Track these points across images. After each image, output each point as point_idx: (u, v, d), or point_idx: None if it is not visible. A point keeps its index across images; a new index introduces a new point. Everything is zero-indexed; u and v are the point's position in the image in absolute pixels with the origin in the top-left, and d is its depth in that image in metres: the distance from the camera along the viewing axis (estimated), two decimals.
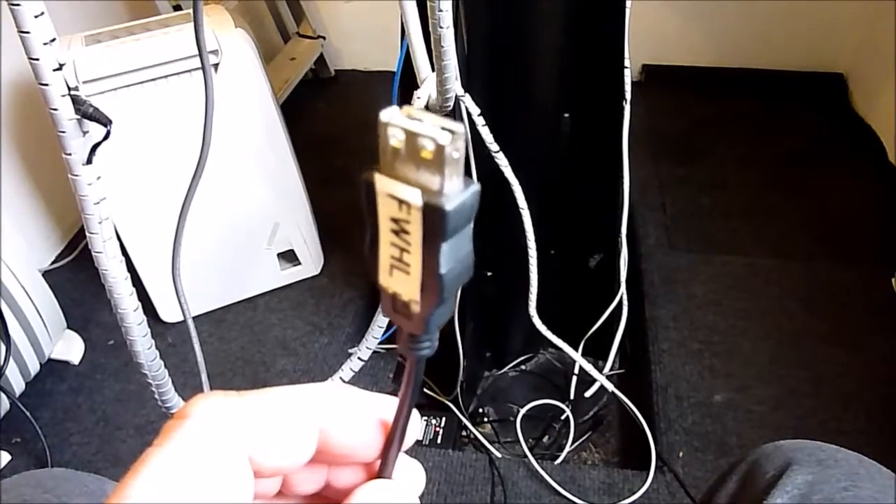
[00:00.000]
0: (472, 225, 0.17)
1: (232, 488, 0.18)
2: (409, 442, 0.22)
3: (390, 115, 0.16)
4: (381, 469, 0.21)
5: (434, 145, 0.16)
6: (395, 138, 0.16)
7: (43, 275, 1.12)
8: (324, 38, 1.95)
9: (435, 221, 0.16)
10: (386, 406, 0.22)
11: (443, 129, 0.16)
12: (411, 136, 0.16)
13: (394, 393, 0.22)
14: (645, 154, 1.56)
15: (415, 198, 0.16)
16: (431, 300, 0.17)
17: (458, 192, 0.16)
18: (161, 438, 0.18)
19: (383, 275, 0.18)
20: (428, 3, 0.58)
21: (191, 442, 0.18)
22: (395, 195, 0.16)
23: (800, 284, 1.24)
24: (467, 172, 0.60)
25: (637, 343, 1.17)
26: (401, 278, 0.17)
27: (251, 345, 1.22)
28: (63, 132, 0.48)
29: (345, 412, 0.21)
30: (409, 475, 0.22)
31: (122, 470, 0.18)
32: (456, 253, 0.17)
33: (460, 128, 0.16)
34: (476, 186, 0.16)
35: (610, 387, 1.08)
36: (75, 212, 0.57)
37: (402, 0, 0.63)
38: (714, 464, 0.97)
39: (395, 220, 0.16)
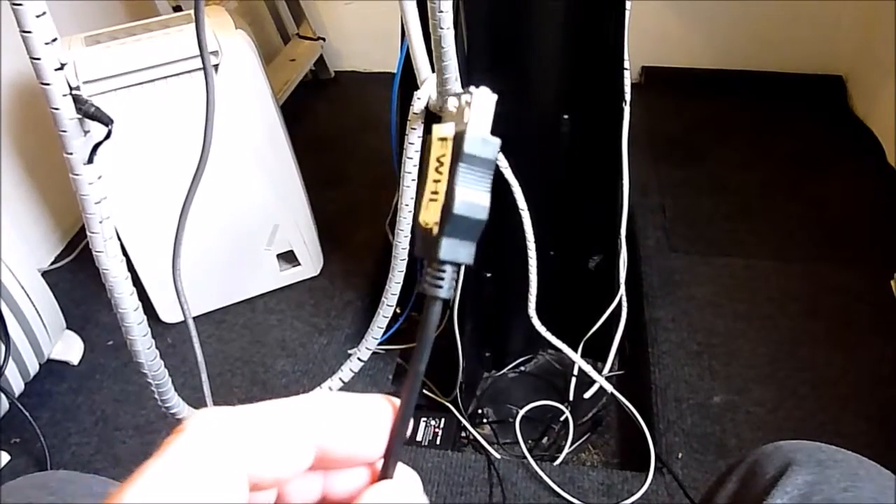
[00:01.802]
0: (490, 176, 0.22)
1: (225, 496, 0.19)
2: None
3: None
4: (384, 469, 0.22)
5: (458, 101, 0.22)
6: (452, 104, 0.23)
7: (43, 275, 1.12)
8: (324, 39, 1.95)
9: (459, 145, 0.21)
10: (383, 405, 0.22)
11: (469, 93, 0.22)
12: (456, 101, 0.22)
13: (394, 394, 0.22)
14: (644, 156, 1.56)
15: (450, 130, 0.22)
16: (446, 219, 0.21)
17: (479, 130, 0.21)
18: (159, 451, 0.19)
19: (423, 212, 0.22)
20: (428, 4, 0.58)
21: (186, 452, 0.19)
22: (440, 135, 0.22)
23: (799, 286, 1.24)
24: None
25: (636, 344, 1.17)
26: (433, 209, 0.22)
27: (250, 345, 1.22)
28: (64, 132, 0.48)
29: (343, 420, 0.22)
30: (408, 478, 0.23)
31: (121, 470, 0.18)
32: (474, 189, 0.21)
33: (481, 92, 0.22)
34: (496, 140, 0.22)
35: (609, 388, 1.08)
36: (75, 212, 0.57)
37: (402, 1, 0.63)
38: (713, 465, 0.97)
39: (438, 160, 0.22)
